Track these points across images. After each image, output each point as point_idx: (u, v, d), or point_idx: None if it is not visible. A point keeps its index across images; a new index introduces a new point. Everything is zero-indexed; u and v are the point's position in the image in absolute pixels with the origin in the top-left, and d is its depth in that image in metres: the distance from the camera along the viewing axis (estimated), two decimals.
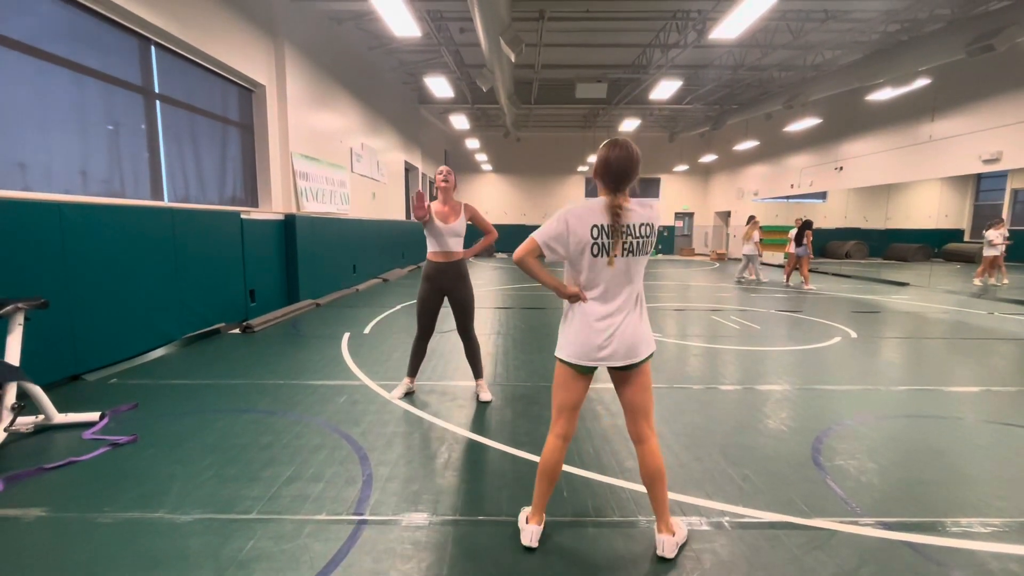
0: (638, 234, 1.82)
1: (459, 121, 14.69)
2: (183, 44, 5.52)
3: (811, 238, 10.74)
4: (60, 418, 3.04)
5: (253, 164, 7.19)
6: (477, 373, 3.70)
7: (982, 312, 7.72)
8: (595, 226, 1.80)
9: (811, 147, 15.24)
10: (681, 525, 2.04)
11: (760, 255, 11.44)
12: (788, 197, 16.94)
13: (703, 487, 2.43)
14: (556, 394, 1.98)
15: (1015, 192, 15.23)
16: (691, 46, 9.82)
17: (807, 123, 13.70)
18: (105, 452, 2.74)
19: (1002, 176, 15.27)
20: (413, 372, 3.72)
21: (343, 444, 2.88)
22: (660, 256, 22.02)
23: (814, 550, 1.96)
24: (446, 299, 3.58)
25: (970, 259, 15.21)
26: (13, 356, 2.85)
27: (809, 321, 6.84)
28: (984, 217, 14.56)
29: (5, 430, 2.76)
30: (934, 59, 8.40)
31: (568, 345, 1.90)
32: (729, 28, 7.01)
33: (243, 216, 6.25)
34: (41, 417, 3.00)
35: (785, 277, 11.57)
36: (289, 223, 7.33)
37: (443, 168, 3.48)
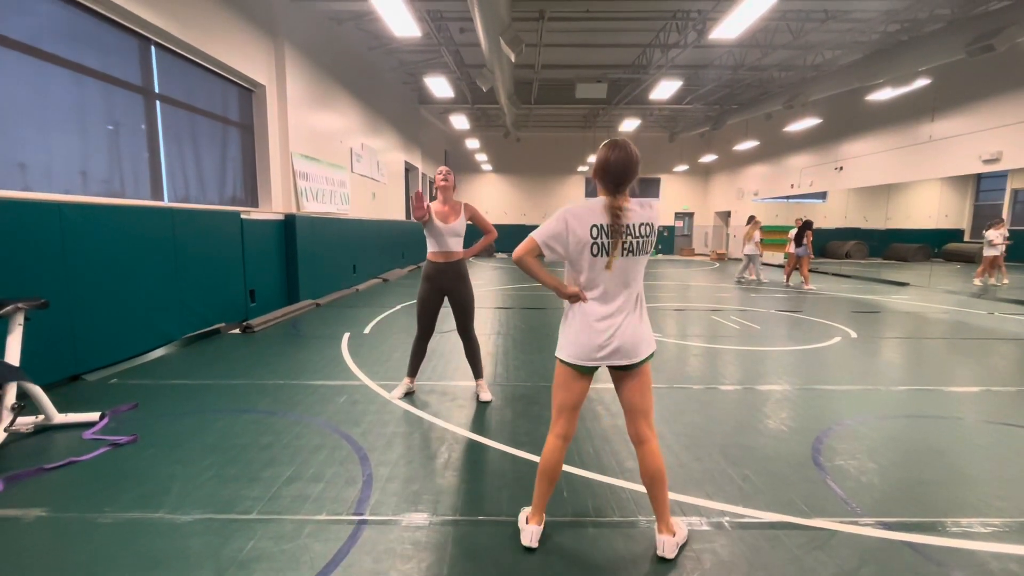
0: (638, 234, 1.82)
1: (459, 121, 14.69)
2: (183, 44, 5.52)
3: (811, 238, 10.74)
4: (60, 418, 3.04)
5: (253, 164, 7.19)
6: (477, 373, 3.70)
7: (982, 312, 7.72)
8: (595, 226, 1.80)
9: (811, 147, 15.24)
10: (681, 525, 2.04)
11: (760, 255, 11.45)
12: (788, 197, 16.94)
13: (703, 487, 2.43)
14: (556, 394, 1.98)
15: (1015, 192, 15.23)
16: (691, 46, 9.82)
17: (807, 123, 13.70)
18: (105, 452, 2.74)
19: (1002, 176, 15.28)
20: (413, 372, 3.72)
21: (343, 444, 2.88)
22: (660, 256, 22.02)
23: (814, 550, 1.96)
24: (446, 299, 3.58)
25: (970, 259, 15.21)
26: (13, 356, 2.85)
27: (809, 321, 6.84)
28: (984, 217, 14.56)
29: (5, 430, 2.76)
30: (934, 59, 8.40)
31: (568, 345, 1.90)
32: (729, 28, 7.01)
33: (243, 216, 6.25)
34: (41, 417, 3.00)
35: (785, 277, 11.57)
36: (289, 223, 7.33)
37: (443, 168, 3.49)
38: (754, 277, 11.55)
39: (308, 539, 2.00)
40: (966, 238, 16.96)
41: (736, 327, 6.38)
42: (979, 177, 16.23)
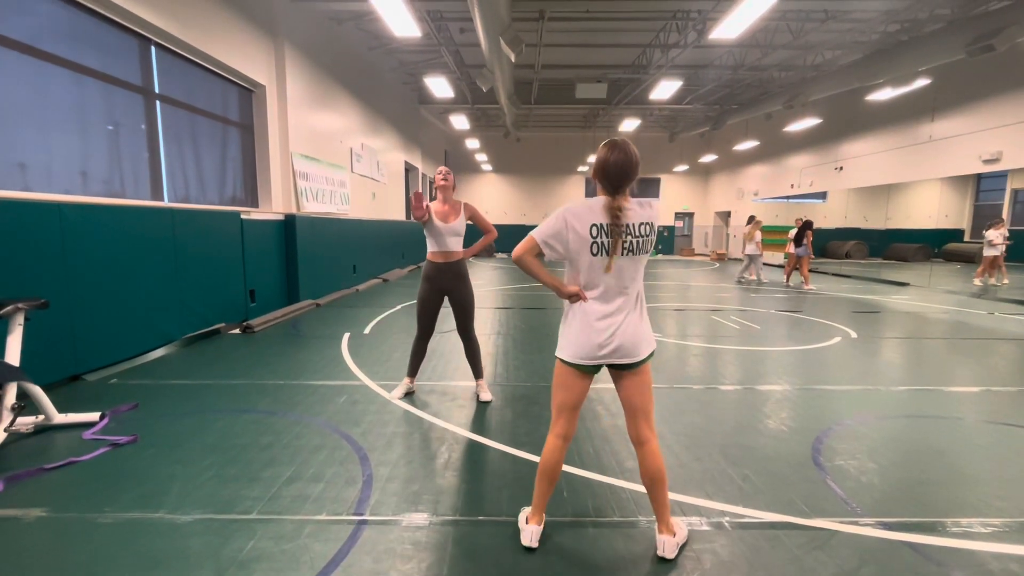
0: (638, 233, 1.82)
1: (459, 121, 14.69)
2: (183, 44, 5.52)
3: (811, 238, 10.74)
4: (60, 418, 3.04)
5: (253, 164, 7.19)
6: (477, 373, 3.69)
7: (982, 312, 7.72)
8: (594, 225, 1.80)
9: (811, 147, 15.24)
10: (681, 525, 2.04)
11: (761, 255, 11.45)
12: (788, 197, 16.94)
13: (703, 487, 2.43)
14: (556, 394, 1.97)
15: (1015, 192, 15.23)
16: (691, 46, 9.82)
17: (807, 123, 13.70)
18: (105, 452, 2.74)
19: (1002, 176, 15.28)
20: (413, 372, 3.72)
21: (343, 444, 2.88)
22: (660, 256, 22.02)
23: (814, 550, 1.96)
24: (446, 299, 3.58)
25: (970, 259, 15.21)
26: (13, 356, 2.85)
27: (809, 321, 6.84)
28: (984, 217, 14.56)
29: (5, 430, 2.76)
30: (934, 59, 8.40)
31: (569, 345, 1.90)
32: (729, 28, 7.01)
33: (243, 216, 6.25)
34: (41, 417, 3.00)
35: (785, 277, 11.57)
36: (289, 223, 7.33)
37: (442, 168, 3.49)
38: (754, 277, 11.55)
39: (308, 539, 2.00)
40: (966, 238, 16.96)
41: (736, 327, 6.38)
42: (979, 177, 16.23)
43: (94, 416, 3.12)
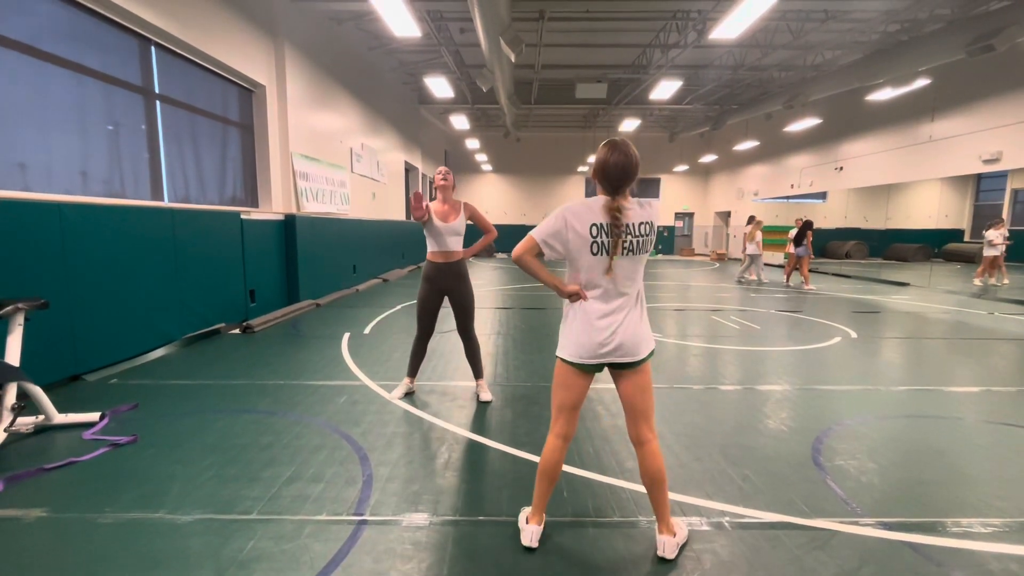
0: (638, 233, 1.82)
1: (459, 121, 14.69)
2: (183, 44, 5.52)
3: (811, 238, 10.74)
4: (60, 418, 3.04)
5: (253, 164, 7.19)
6: (477, 373, 3.69)
7: (982, 312, 7.72)
8: (594, 225, 1.80)
9: (811, 147, 15.24)
10: (682, 525, 2.04)
11: (761, 255, 11.44)
12: (788, 197, 16.94)
13: (703, 487, 2.43)
14: (556, 394, 1.97)
15: (1015, 192, 15.24)
16: (691, 46, 9.82)
17: (807, 123, 13.70)
18: (105, 452, 2.74)
19: (1002, 176, 15.29)
20: (413, 372, 3.72)
21: (343, 444, 2.88)
22: (660, 256, 22.02)
23: (814, 550, 1.96)
24: (446, 299, 3.58)
25: (970, 259, 15.21)
26: (13, 356, 2.85)
27: (809, 321, 6.84)
28: (984, 217, 14.57)
29: (5, 430, 2.76)
30: (934, 59, 8.40)
31: (569, 345, 1.90)
32: (729, 28, 7.01)
33: (243, 216, 6.25)
34: (41, 417, 3.00)
35: (785, 277, 11.57)
36: (289, 223, 7.33)
37: (442, 168, 3.49)
38: (755, 277, 11.55)
39: (308, 539, 2.00)
40: (966, 238, 16.97)
41: (736, 327, 6.38)
42: (979, 177, 16.24)
43: (94, 416, 3.12)
